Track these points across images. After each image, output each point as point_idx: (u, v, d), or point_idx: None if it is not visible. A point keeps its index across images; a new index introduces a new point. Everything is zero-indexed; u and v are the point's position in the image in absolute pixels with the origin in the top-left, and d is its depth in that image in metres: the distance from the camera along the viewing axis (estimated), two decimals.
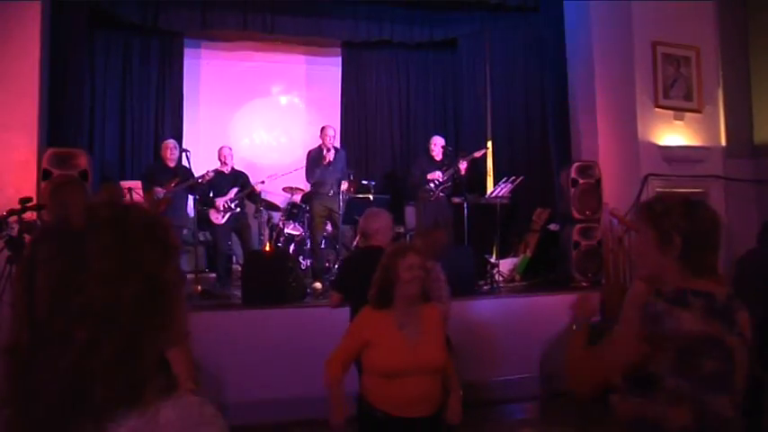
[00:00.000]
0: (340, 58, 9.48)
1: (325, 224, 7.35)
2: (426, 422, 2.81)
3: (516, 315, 5.91)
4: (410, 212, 8.28)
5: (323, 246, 7.38)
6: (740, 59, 7.44)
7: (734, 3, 7.43)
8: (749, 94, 7.44)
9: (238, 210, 7.08)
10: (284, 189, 8.26)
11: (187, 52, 8.78)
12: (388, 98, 9.66)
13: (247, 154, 7.53)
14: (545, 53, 7.65)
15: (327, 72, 9.48)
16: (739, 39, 7.44)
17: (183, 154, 6.99)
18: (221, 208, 6.94)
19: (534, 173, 7.90)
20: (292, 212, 7.88)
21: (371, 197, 6.98)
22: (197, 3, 7.92)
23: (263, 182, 7.41)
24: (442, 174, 7.34)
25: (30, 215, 4.54)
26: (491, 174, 8.73)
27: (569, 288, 6.46)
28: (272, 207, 8.09)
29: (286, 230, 7.66)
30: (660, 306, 1.78)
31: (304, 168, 7.34)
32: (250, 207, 7.53)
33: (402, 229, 8.37)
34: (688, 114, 7.08)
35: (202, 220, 7.07)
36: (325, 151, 7.20)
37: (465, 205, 7.25)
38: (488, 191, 8.00)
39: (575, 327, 2.15)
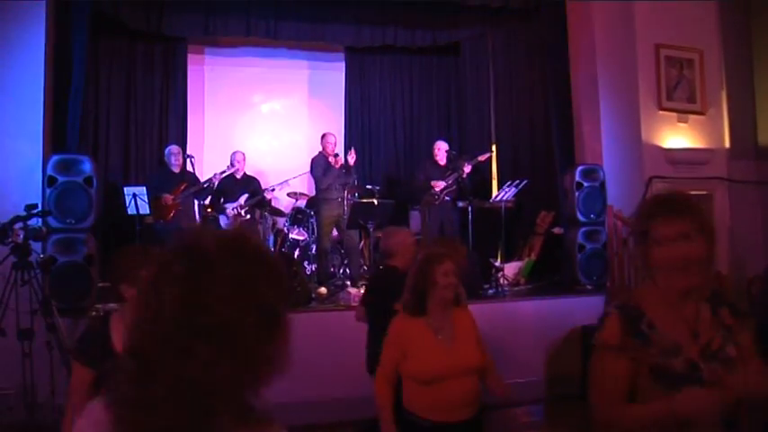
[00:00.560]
0: (343, 63, 9.50)
1: (332, 229, 7.36)
2: (469, 425, 2.85)
3: (521, 318, 5.90)
4: (415, 217, 8.28)
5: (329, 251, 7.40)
6: (743, 61, 7.43)
7: (736, 5, 7.42)
8: (753, 95, 7.43)
9: (248, 216, 7.08)
10: (289, 194, 8.28)
11: (191, 58, 8.80)
12: (392, 102, 9.68)
13: (251, 159, 7.55)
14: (548, 56, 7.64)
15: (330, 77, 9.50)
16: (742, 40, 7.43)
17: (188, 159, 7.01)
18: (231, 214, 6.94)
19: (538, 176, 7.90)
20: (297, 217, 7.89)
21: (376, 202, 6.98)
22: (200, 8, 7.94)
23: (273, 190, 7.42)
24: (446, 180, 7.35)
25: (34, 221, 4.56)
26: (495, 177, 8.73)
27: (574, 291, 6.45)
28: (276, 212, 8.10)
29: (291, 235, 7.67)
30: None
31: (311, 175, 7.38)
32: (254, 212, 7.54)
33: None
34: (692, 116, 7.08)
35: (210, 225, 7.08)
36: (331, 158, 7.22)
37: (470, 209, 7.25)
38: (493, 195, 8.00)
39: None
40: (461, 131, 9.52)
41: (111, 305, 4.60)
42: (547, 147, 7.87)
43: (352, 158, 7.31)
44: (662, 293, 1.82)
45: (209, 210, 7.17)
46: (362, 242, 7.50)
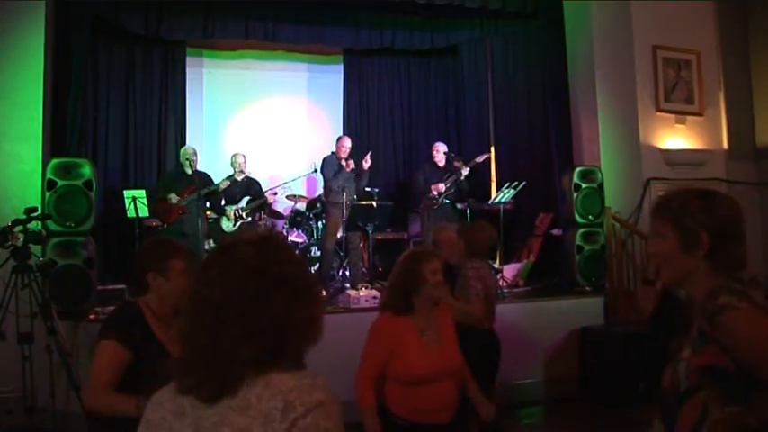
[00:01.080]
0: (342, 66, 9.52)
1: (338, 231, 7.35)
2: (448, 428, 2.81)
3: (520, 320, 5.91)
4: (414, 219, 8.30)
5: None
6: (741, 62, 7.45)
7: (734, 6, 7.45)
8: (751, 96, 7.45)
9: (249, 219, 7.08)
10: (288, 197, 8.28)
11: (189, 61, 8.81)
12: (390, 105, 9.69)
13: (250, 161, 7.55)
14: (546, 58, 7.66)
15: (329, 79, 9.51)
16: (740, 41, 7.46)
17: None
18: (233, 216, 6.93)
19: (536, 178, 7.91)
20: (296, 220, 7.89)
21: (375, 204, 6.99)
22: (199, 12, 7.95)
23: (275, 193, 7.42)
24: (444, 183, 7.36)
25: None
26: (494, 179, 8.74)
27: (573, 293, 6.46)
28: (275, 215, 8.10)
29: (290, 238, 7.67)
30: (735, 285, 1.66)
31: (320, 173, 7.40)
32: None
33: (406, 236, 8.39)
34: (690, 118, 7.10)
35: (212, 229, 7.08)
36: (343, 161, 7.22)
37: (468, 211, 7.26)
38: (491, 196, 8.01)
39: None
40: (460, 133, 9.54)
41: (111, 308, 4.61)
42: (545, 148, 7.88)
43: (366, 163, 7.30)
44: None
45: (209, 212, 7.17)
46: (362, 244, 7.50)
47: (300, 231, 7.80)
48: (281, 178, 8.09)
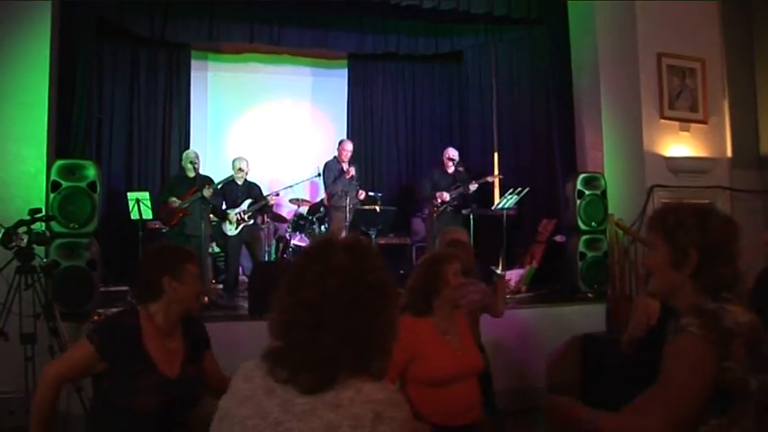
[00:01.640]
0: (346, 70, 9.54)
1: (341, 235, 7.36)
2: (474, 428, 2.81)
3: (522, 326, 5.90)
4: (417, 224, 8.29)
5: None
6: (746, 70, 7.44)
7: (739, 14, 7.44)
8: (755, 104, 7.44)
9: (251, 222, 7.08)
10: (291, 201, 8.29)
11: (194, 64, 8.85)
12: (394, 110, 9.71)
13: (254, 165, 7.56)
14: (550, 65, 7.66)
15: (333, 84, 9.54)
16: (744, 49, 7.45)
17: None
18: (235, 219, 6.95)
19: (540, 184, 7.91)
20: (299, 224, 7.89)
21: (378, 209, 6.99)
22: (204, 15, 7.98)
23: (277, 194, 7.43)
24: (450, 193, 7.37)
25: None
26: (497, 185, 8.73)
27: (575, 299, 6.45)
28: (278, 218, 8.10)
29: (293, 242, 7.67)
30: (710, 304, 1.66)
31: (322, 179, 7.41)
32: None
33: (409, 241, 8.39)
34: (694, 125, 7.08)
35: (215, 231, 7.08)
36: (345, 166, 7.24)
37: (472, 217, 7.25)
38: (495, 202, 8.00)
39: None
40: (463, 138, 9.53)
41: (113, 310, 4.62)
42: (549, 154, 7.88)
43: (348, 175, 7.39)
44: None
45: (210, 215, 7.17)
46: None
47: (303, 235, 7.80)
48: (285, 182, 8.10)
